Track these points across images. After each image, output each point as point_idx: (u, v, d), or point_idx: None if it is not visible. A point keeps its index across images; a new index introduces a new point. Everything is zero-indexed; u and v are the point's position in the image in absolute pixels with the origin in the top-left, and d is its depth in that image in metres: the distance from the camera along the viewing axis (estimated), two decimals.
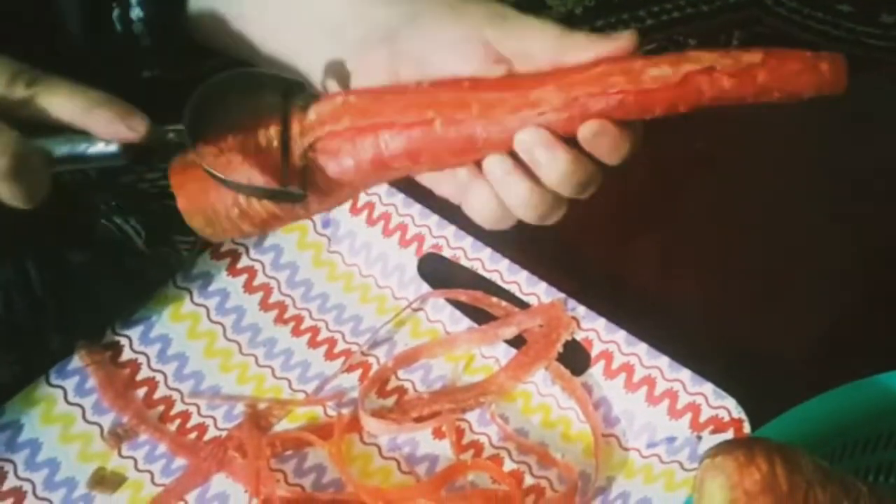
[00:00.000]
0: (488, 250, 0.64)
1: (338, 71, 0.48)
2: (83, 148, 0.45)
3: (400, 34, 0.46)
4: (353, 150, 0.45)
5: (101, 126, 0.44)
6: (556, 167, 0.43)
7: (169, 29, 0.50)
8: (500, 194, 0.45)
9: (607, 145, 0.43)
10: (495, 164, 0.44)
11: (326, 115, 0.45)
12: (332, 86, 0.47)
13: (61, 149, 0.45)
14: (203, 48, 0.51)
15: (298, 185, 0.45)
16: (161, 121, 0.45)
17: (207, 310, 0.62)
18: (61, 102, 0.44)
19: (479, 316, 0.63)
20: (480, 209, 0.46)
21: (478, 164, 0.45)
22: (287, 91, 0.46)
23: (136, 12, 0.50)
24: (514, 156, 0.44)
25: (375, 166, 0.45)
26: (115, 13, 0.50)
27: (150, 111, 0.45)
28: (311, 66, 0.48)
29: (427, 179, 0.47)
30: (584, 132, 0.43)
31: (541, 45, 0.44)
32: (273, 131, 0.46)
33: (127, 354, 0.61)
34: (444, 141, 0.44)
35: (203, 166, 0.45)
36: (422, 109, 0.44)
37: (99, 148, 0.45)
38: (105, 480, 0.56)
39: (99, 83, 0.45)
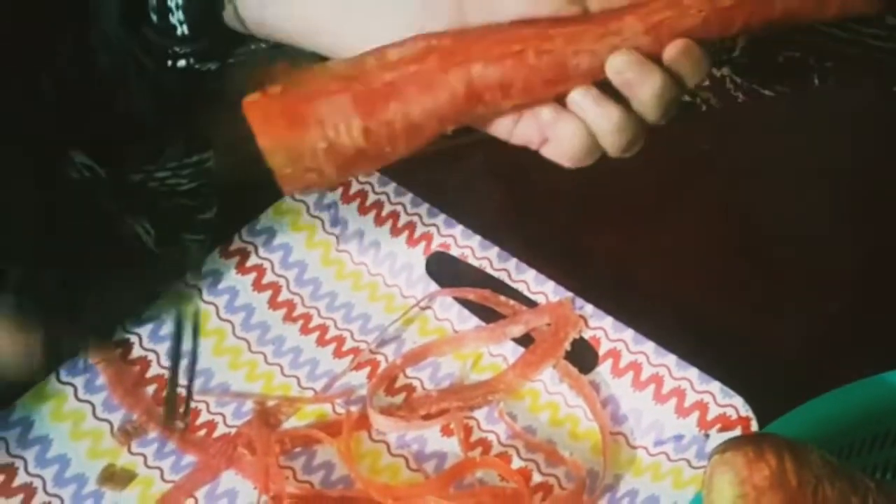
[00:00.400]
0: (496, 249, 0.64)
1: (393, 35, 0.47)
2: None
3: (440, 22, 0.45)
4: (446, 82, 0.45)
5: None
6: (650, 85, 0.44)
7: (207, 17, 0.50)
8: (591, 123, 0.45)
9: (692, 64, 0.44)
10: (583, 94, 0.45)
11: (410, 57, 0.45)
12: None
13: None
14: (234, 36, 0.51)
15: None
16: (180, 122, 0.45)
17: (216, 308, 0.63)
18: None
19: (487, 314, 0.63)
20: (570, 143, 0.46)
21: (560, 102, 0.46)
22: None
23: (174, 1, 0.50)
24: (598, 86, 0.45)
25: (468, 98, 0.45)
26: (152, 2, 0.50)
27: (185, 100, 0.45)
28: (350, 51, 0.48)
29: (503, 126, 0.47)
30: (671, 51, 0.44)
31: None
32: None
33: (137, 352, 0.61)
34: (537, 71, 0.45)
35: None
36: (509, 44, 0.44)
37: None
38: (115, 477, 0.57)
39: (132, 75, 0.44)
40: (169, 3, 0.50)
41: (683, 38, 0.44)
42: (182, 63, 0.51)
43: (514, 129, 0.47)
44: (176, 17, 0.50)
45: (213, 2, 0.50)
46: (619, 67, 0.44)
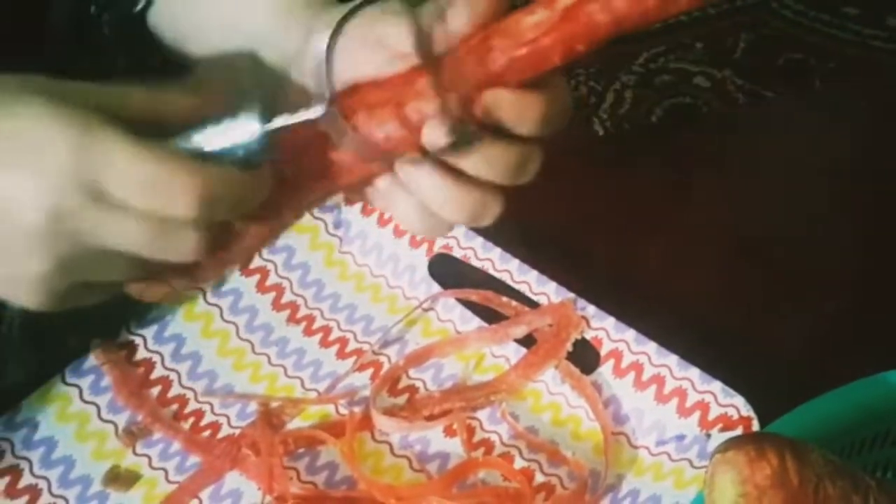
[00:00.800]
0: (498, 250, 0.64)
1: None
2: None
3: (306, 55, 0.43)
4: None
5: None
6: (478, 152, 0.39)
7: (122, 20, 0.50)
8: (423, 197, 0.41)
9: (513, 113, 0.39)
10: (409, 164, 0.41)
11: None
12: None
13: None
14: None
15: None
16: None
17: (221, 309, 0.63)
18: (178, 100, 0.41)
19: (490, 315, 0.63)
20: (406, 219, 0.42)
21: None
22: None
23: (94, 9, 0.51)
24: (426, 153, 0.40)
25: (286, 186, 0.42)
26: (93, 10, 0.51)
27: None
28: (241, 84, 0.47)
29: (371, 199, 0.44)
30: (482, 108, 0.39)
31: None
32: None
33: (141, 353, 0.61)
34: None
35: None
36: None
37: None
38: (120, 478, 0.57)
39: (88, 77, 0.44)
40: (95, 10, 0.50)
41: (492, 91, 0.38)
42: (122, 62, 0.51)
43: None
44: (103, 17, 0.50)
45: (126, 11, 0.50)
46: (434, 139, 0.39)
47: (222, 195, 0.40)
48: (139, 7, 0.50)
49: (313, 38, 0.43)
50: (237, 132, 0.40)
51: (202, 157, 0.40)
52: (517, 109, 0.39)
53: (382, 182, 0.42)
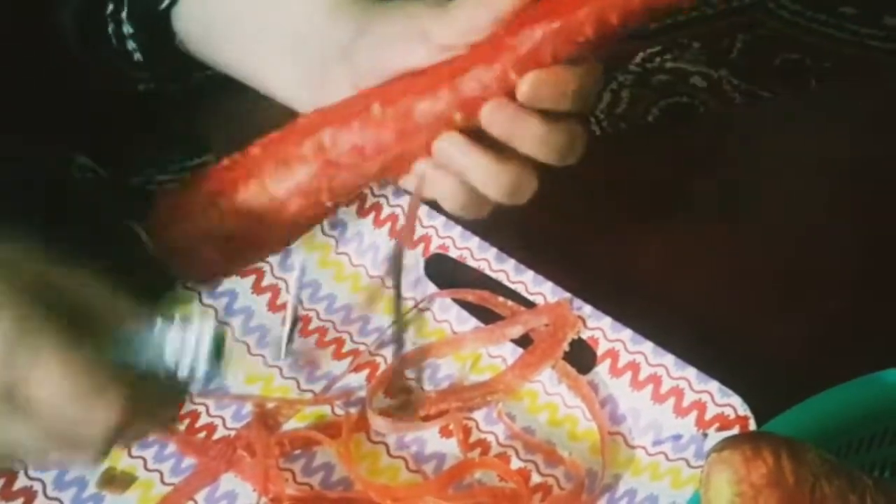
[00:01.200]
0: (494, 250, 0.64)
1: (302, 91, 0.47)
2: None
3: (354, 49, 0.45)
4: (299, 158, 0.44)
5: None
6: (529, 132, 0.42)
7: (158, 44, 0.50)
8: (463, 174, 0.43)
9: (552, 89, 0.41)
10: (447, 143, 0.43)
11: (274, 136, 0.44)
12: (300, 105, 0.47)
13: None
14: (195, 60, 0.51)
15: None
16: (162, 136, 0.45)
17: (216, 311, 0.63)
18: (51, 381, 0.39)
19: (486, 316, 0.63)
20: (449, 200, 0.44)
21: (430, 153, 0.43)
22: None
23: (126, 28, 0.50)
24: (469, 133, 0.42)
25: (324, 169, 0.44)
26: (111, 28, 0.51)
27: (145, 124, 0.45)
28: (277, 85, 0.48)
29: (409, 186, 0.46)
30: (522, 89, 0.41)
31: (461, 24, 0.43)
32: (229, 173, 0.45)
33: None
34: (384, 126, 0.43)
35: None
36: (354, 104, 0.44)
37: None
38: (115, 480, 0.57)
39: (96, 97, 0.45)
40: (123, 30, 0.50)
41: (533, 72, 0.41)
42: (142, 87, 0.52)
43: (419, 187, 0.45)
44: (130, 43, 0.50)
45: (163, 32, 0.50)
46: (489, 119, 0.42)
47: (142, 413, 0.40)
48: (164, 4, 0.50)
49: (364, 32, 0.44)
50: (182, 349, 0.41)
51: (134, 364, 0.40)
52: (555, 84, 0.41)
53: (421, 165, 0.44)
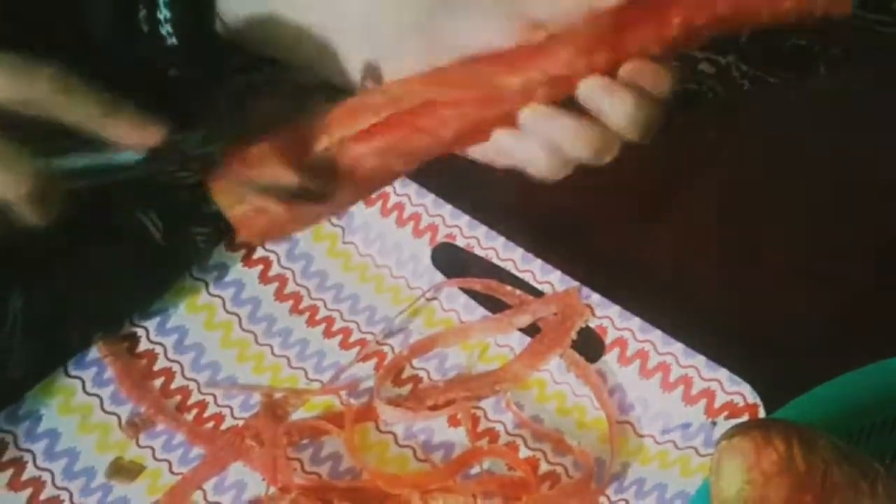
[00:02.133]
0: (502, 239, 0.64)
1: (373, 67, 0.47)
2: (103, 160, 0.43)
3: (433, 22, 0.45)
4: (378, 120, 0.45)
5: (118, 132, 0.43)
6: (620, 108, 0.44)
7: (196, 29, 0.50)
8: (550, 138, 0.45)
9: (653, 80, 0.44)
10: (530, 113, 0.44)
11: (361, 108, 0.45)
12: (369, 82, 0.47)
13: (80, 162, 0.43)
14: (227, 46, 0.50)
15: (325, 182, 0.45)
16: (185, 122, 0.45)
17: (223, 301, 0.63)
18: (78, 106, 0.43)
19: (494, 305, 0.63)
20: (537, 164, 0.45)
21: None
22: (307, 93, 0.46)
23: (163, 13, 0.50)
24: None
25: (402, 132, 0.45)
26: (142, 14, 0.50)
27: (175, 111, 0.45)
28: (345, 62, 0.48)
29: (478, 154, 0.47)
30: (627, 69, 0.43)
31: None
32: (298, 133, 0.45)
33: (144, 345, 0.61)
34: (468, 94, 0.44)
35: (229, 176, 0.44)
36: (462, 85, 0.44)
37: (119, 158, 0.43)
38: (123, 469, 0.57)
39: (124, 83, 0.44)
40: (158, 15, 0.50)
41: (634, 61, 0.43)
42: (174, 73, 0.51)
43: (489, 156, 0.46)
44: (165, 28, 0.50)
45: (201, 15, 0.49)
46: (586, 94, 0.44)
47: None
48: None
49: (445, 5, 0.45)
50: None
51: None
52: (656, 77, 0.44)
53: (501, 133, 0.45)
